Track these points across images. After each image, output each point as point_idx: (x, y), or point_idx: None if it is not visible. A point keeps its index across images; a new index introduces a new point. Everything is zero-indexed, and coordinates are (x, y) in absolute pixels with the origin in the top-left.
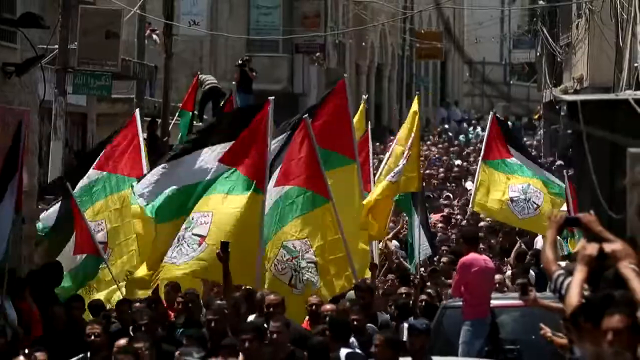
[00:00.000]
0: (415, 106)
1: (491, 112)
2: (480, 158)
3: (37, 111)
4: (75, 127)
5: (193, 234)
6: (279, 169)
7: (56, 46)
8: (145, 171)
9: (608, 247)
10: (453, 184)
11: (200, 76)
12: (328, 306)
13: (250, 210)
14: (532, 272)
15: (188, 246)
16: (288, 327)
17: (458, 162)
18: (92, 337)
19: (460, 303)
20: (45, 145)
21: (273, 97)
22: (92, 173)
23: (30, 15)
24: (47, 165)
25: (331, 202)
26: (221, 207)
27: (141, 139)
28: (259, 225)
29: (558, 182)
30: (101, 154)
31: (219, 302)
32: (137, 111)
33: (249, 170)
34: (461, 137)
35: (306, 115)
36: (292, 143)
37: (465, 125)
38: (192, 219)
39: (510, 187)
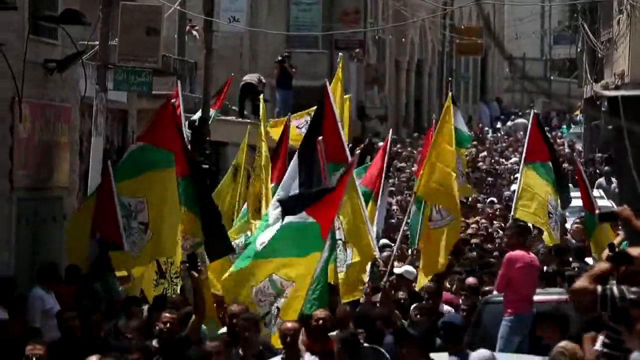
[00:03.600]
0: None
1: (532, 111)
2: (522, 161)
3: (78, 107)
4: (115, 123)
5: (139, 223)
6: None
7: (97, 42)
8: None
9: (635, 252)
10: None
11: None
12: None
13: (169, 185)
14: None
15: (138, 235)
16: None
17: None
18: None
19: (501, 298)
20: (86, 141)
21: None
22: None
23: (71, 12)
24: (88, 161)
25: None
26: (150, 188)
27: (182, 111)
28: (176, 198)
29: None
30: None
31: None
32: (179, 83)
33: (164, 143)
34: (489, 134)
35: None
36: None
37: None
38: (129, 205)
39: (549, 200)
